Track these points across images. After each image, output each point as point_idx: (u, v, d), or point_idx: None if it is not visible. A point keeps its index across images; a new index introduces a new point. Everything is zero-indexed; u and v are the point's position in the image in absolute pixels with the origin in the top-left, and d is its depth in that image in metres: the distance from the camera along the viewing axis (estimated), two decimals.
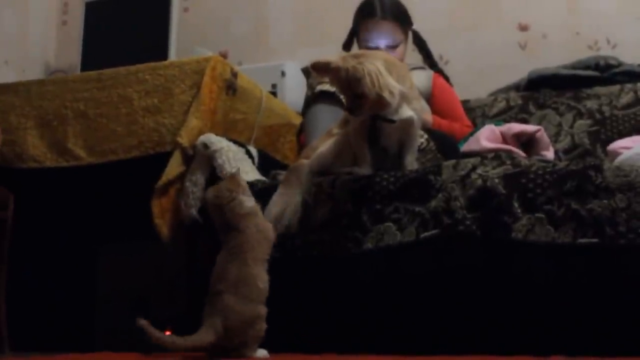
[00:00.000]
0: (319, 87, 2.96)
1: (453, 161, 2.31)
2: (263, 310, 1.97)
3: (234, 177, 2.07)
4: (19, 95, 3.11)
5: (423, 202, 2.23)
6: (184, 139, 2.69)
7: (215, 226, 2.06)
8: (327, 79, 2.82)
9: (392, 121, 2.38)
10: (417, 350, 2.03)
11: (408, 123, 2.42)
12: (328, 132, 2.58)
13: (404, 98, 2.37)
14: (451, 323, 2.19)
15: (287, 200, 2.36)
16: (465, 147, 2.78)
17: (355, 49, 3.24)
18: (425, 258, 2.19)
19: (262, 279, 1.99)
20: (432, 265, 2.19)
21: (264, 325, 1.96)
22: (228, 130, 2.91)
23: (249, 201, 2.05)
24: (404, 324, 2.24)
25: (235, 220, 2.01)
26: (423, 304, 2.23)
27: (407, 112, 2.40)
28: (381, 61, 2.33)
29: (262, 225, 2.05)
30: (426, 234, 2.20)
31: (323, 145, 2.51)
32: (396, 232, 2.24)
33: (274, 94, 3.53)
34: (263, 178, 2.62)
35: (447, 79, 3.32)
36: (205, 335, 1.87)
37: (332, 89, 2.90)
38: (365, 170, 2.42)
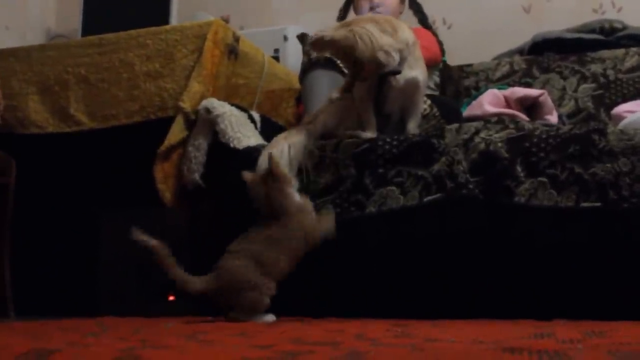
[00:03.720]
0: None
1: (456, 125, 2.30)
2: (270, 283, 1.98)
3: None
4: (20, 60, 3.10)
5: (426, 165, 2.23)
6: (186, 104, 2.68)
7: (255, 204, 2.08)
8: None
9: (398, 72, 2.36)
10: (420, 314, 2.03)
11: (413, 84, 2.41)
12: (328, 98, 2.57)
13: (403, 53, 2.36)
14: (454, 287, 2.20)
15: (288, 140, 2.35)
16: (468, 112, 2.77)
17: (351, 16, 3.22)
18: (428, 222, 2.19)
19: (284, 261, 2.02)
20: (435, 229, 2.19)
21: (261, 298, 1.96)
22: (230, 95, 2.90)
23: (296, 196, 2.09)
24: (407, 287, 2.25)
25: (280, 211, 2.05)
26: (426, 268, 2.23)
27: (410, 72, 2.39)
28: (370, 23, 2.32)
29: (308, 226, 2.07)
30: (429, 197, 2.20)
31: (326, 111, 2.50)
32: (399, 196, 2.24)
33: (276, 58, 3.51)
34: (265, 143, 2.61)
35: (440, 43, 3.26)
36: (195, 283, 1.96)
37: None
38: (371, 133, 2.41)
